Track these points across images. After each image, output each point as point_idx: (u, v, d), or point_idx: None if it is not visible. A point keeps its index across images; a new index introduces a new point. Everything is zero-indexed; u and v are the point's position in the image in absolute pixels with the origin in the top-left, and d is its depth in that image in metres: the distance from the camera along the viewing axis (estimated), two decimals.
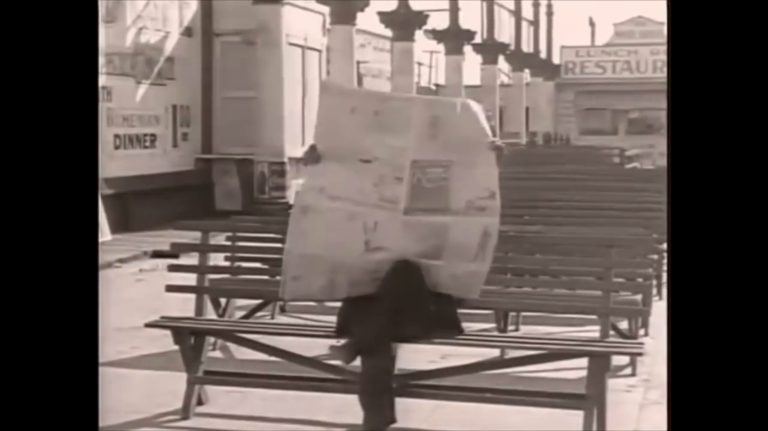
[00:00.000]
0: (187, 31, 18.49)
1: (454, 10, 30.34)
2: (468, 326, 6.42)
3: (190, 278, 7.39)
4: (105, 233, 13.38)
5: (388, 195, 5.26)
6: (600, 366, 5.45)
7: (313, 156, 5.28)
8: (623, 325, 7.76)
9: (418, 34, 26.05)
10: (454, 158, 5.28)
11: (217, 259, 8.12)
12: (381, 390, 5.36)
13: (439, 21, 30.27)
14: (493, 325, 7.85)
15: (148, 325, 6.23)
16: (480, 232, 5.35)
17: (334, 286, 5.44)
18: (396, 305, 5.34)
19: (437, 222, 5.30)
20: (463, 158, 5.30)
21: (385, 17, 25.20)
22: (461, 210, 5.31)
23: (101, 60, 15.17)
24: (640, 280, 7.66)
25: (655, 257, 8.86)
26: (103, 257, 11.77)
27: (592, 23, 47.65)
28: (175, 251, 9.27)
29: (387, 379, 5.39)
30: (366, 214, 5.28)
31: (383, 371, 5.37)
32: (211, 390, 6.32)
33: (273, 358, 6.25)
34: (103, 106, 15.46)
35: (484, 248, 5.38)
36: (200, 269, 7.40)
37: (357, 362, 5.45)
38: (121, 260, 12.90)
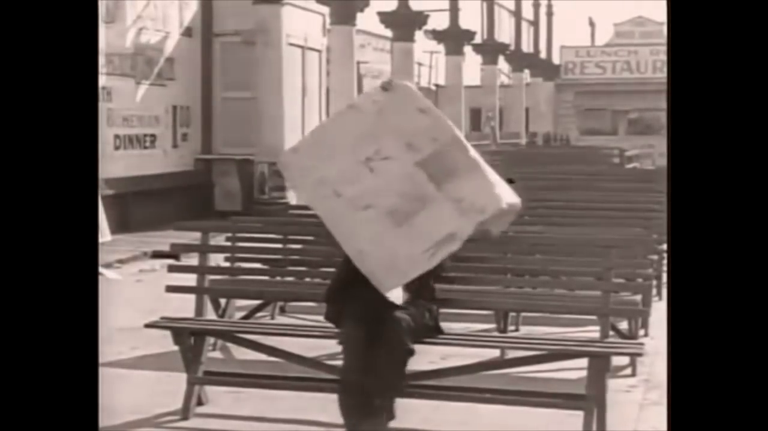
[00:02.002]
0: (187, 32, 18.49)
1: (454, 10, 30.35)
2: (468, 326, 6.44)
3: (190, 279, 7.40)
4: (105, 234, 13.38)
5: (415, 144, 5.39)
6: (600, 367, 5.45)
7: (389, 84, 5.56)
8: (623, 325, 7.76)
9: (418, 35, 26.07)
10: (471, 169, 5.40)
11: (217, 259, 8.12)
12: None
13: (439, 21, 30.33)
14: (493, 325, 7.85)
15: (148, 325, 6.23)
16: (445, 232, 5.32)
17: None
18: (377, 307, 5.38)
19: (427, 192, 5.33)
20: (476, 179, 5.42)
21: (385, 17, 25.20)
22: (449, 197, 5.32)
23: (101, 60, 15.16)
24: (639, 280, 7.65)
25: (655, 257, 8.85)
26: (103, 257, 11.76)
27: (592, 23, 47.72)
28: (175, 251, 9.27)
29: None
30: (382, 137, 5.42)
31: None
32: (211, 390, 6.32)
33: (273, 359, 6.25)
34: (103, 107, 15.46)
35: (440, 247, 5.33)
36: (200, 270, 7.40)
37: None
38: (121, 261, 12.90)
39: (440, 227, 5.27)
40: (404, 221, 5.28)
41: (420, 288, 5.63)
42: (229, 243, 8.55)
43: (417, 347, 5.78)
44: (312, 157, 5.52)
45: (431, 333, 5.69)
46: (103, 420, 4.18)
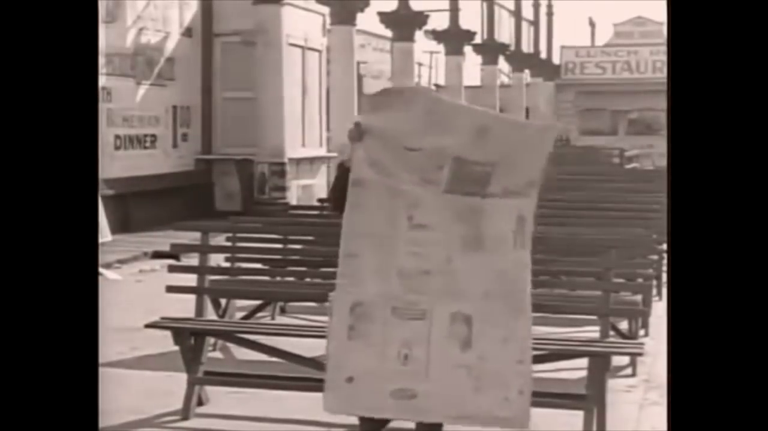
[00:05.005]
0: (188, 32, 18.49)
1: (454, 10, 30.35)
2: None
3: (191, 279, 7.40)
4: (105, 234, 13.38)
5: (429, 178, 5.27)
6: (600, 367, 5.45)
7: (358, 132, 5.21)
8: (623, 325, 7.76)
9: (418, 35, 26.05)
10: (499, 160, 5.29)
11: (217, 259, 8.13)
12: None
13: (439, 21, 30.30)
14: None
15: (149, 326, 6.23)
16: (515, 216, 5.28)
17: (383, 271, 5.16)
18: None
19: (474, 203, 5.25)
20: (509, 160, 5.30)
21: (385, 18, 25.19)
22: (497, 194, 5.28)
23: (101, 60, 15.17)
24: (639, 280, 7.66)
25: (655, 257, 8.86)
26: (103, 257, 11.76)
27: (592, 23, 47.69)
28: (175, 251, 9.28)
29: None
30: (408, 191, 5.27)
31: None
32: (211, 390, 6.32)
33: (273, 359, 6.25)
34: (103, 107, 15.47)
35: (521, 233, 5.30)
36: (200, 270, 7.40)
37: None
38: (121, 261, 12.89)
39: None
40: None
41: None
42: (229, 243, 8.56)
43: None
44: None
45: None
46: (104, 421, 4.18)
